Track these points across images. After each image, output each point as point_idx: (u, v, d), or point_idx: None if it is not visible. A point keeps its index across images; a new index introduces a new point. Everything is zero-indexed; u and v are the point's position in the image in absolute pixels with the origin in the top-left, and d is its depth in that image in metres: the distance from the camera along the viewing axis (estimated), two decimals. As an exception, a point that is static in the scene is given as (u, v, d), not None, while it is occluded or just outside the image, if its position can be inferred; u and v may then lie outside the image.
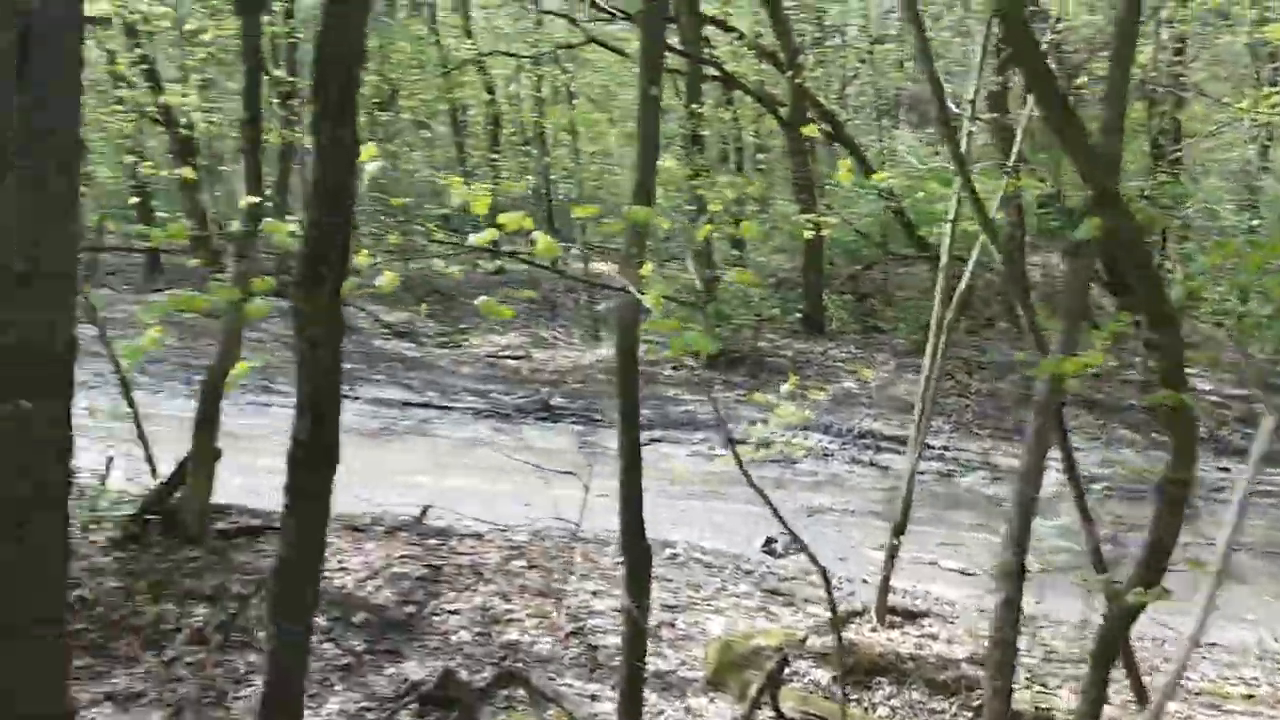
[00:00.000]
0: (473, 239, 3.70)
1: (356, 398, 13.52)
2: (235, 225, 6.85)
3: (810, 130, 5.70)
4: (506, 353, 15.79)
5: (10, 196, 3.44)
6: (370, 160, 3.96)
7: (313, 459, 2.64)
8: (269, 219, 3.38)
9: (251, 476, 9.75)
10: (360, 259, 6.10)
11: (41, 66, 3.45)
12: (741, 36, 14.85)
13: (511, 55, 19.01)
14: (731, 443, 4.21)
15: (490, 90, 20.83)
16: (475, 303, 4.03)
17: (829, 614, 4.08)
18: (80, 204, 3.94)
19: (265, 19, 8.78)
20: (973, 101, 6.00)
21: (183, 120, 18.03)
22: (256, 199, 6.46)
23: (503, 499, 8.96)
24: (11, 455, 3.45)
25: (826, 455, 11.00)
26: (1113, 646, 3.80)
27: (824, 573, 4.09)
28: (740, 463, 4.29)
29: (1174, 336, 2.94)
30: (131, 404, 8.05)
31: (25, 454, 3.48)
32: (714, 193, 12.05)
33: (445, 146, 24.02)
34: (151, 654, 6.85)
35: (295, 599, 2.66)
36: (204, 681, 6.53)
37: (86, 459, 8.78)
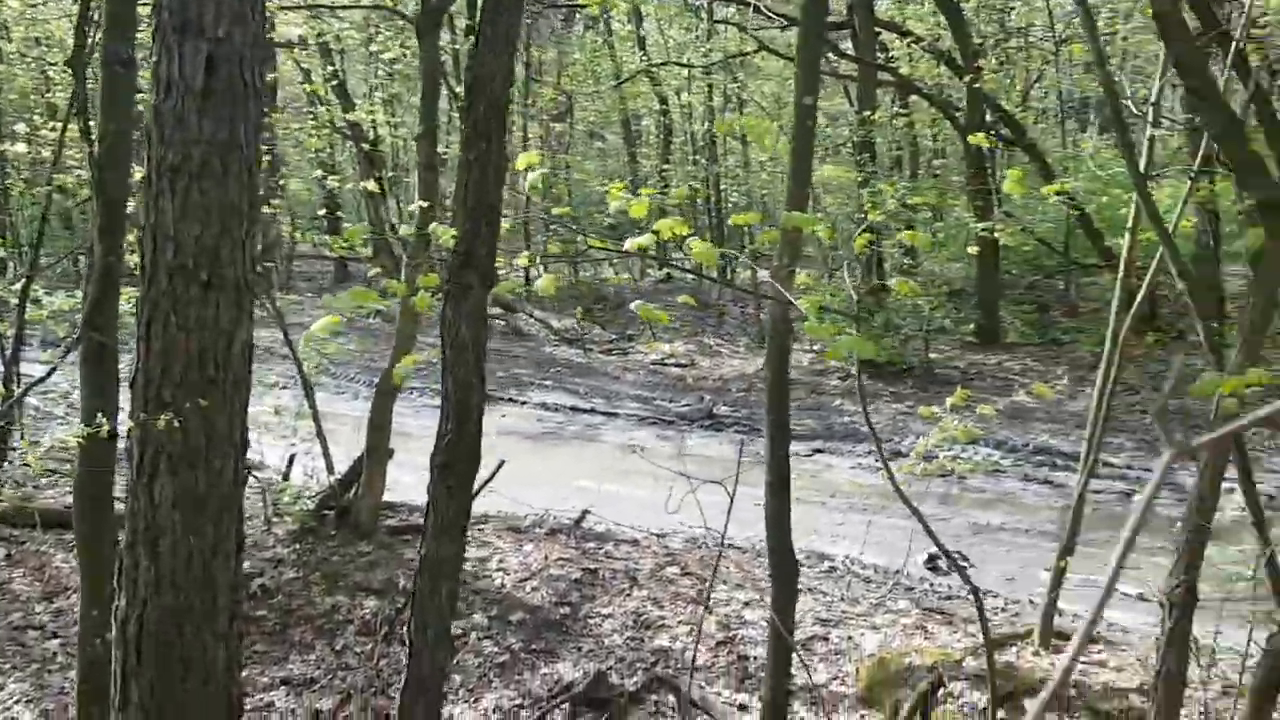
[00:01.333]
0: (629, 244, 3.74)
1: (524, 402, 13.87)
2: (407, 231, 7.15)
3: (977, 138, 5.51)
4: (671, 360, 15.90)
5: (194, 209, 3.70)
6: (530, 169, 4.08)
7: (456, 459, 2.73)
8: (438, 225, 3.51)
9: (423, 475, 10.17)
10: (520, 262, 6.28)
11: (225, 87, 3.70)
12: (918, 40, 14.51)
13: (683, 65, 19.14)
14: (882, 457, 4.12)
15: (662, 100, 21.03)
16: (632, 307, 4.07)
17: (983, 635, 3.93)
18: (261, 215, 4.20)
19: (445, 38, 9.12)
20: (1155, 103, 5.68)
21: (369, 134, 18.95)
22: (427, 206, 6.71)
23: (660, 506, 9.02)
24: (193, 451, 3.70)
25: (998, 472, 10.60)
26: (1276, 678, 3.53)
27: (975, 591, 3.95)
28: (892, 475, 4.19)
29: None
30: (312, 404, 8.49)
31: (205, 450, 3.73)
32: (874, 200, 11.84)
33: (618, 156, 24.37)
34: (324, 643, 7.22)
35: (436, 594, 2.75)
36: (371, 671, 6.84)
37: (272, 456, 9.33)
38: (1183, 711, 4.56)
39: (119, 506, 4.93)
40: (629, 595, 6.95)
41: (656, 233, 3.77)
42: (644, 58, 19.28)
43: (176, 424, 3.49)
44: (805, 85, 4.48)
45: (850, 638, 6.43)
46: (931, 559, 8.30)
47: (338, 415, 11.59)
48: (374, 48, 14.08)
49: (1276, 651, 3.39)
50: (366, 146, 13.35)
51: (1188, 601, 4.02)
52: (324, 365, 13.71)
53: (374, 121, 18.64)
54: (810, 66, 4.61)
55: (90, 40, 6.32)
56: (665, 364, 15.70)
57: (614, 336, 16.89)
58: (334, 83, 18.40)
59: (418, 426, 12.09)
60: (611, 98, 21.02)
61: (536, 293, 3.37)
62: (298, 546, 7.74)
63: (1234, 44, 5.67)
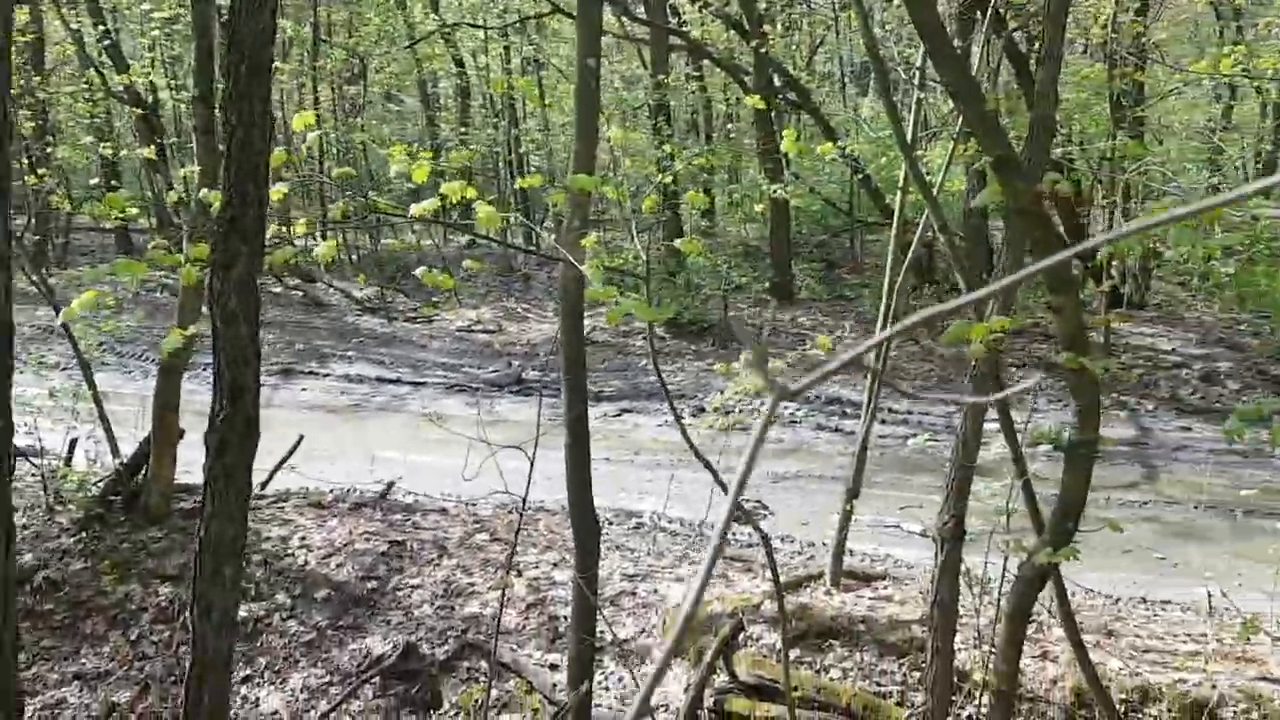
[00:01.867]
0: (414, 209, 3.70)
1: (326, 375, 13.50)
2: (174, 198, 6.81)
3: (753, 100, 5.70)
4: (478, 327, 15.78)
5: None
6: (307, 129, 3.96)
7: (231, 435, 2.66)
8: (205, 190, 3.37)
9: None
10: (299, 229, 6.10)
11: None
12: (707, 4, 14.78)
13: (477, 26, 18.85)
14: (674, 411, 4.26)
15: (458, 63, 20.67)
16: (416, 273, 4.03)
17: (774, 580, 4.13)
18: (27, 186, 3.92)
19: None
20: (921, 68, 6.01)
21: (148, 99, 17.85)
22: (203, 172, 6.42)
23: (469, 474, 8.99)
24: (-55, 439, 3.46)
25: (794, 423, 11.06)
26: (1026, 604, 3.87)
27: (765, 538, 4.15)
28: (684, 429, 4.33)
29: (1073, 301, 2.97)
30: (92, 384, 8.02)
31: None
32: (666, 164, 12.06)
33: (416, 119, 23.84)
34: (118, 633, 6.90)
35: (218, 576, 2.68)
36: (170, 659, 6.58)
37: (51, 441, 8.77)
38: (957, 637, 4.92)
39: None
40: (438, 565, 6.92)
41: (444, 196, 3.75)
42: (437, 19, 18.89)
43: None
44: (586, 46, 4.52)
45: (656, 590, 6.61)
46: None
47: (124, 396, 10.98)
48: (146, 6, 13.24)
49: (1026, 578, 3.71)
50: (143, 111, 12.57)
51: (957, 534, 4.34)
52: (108, 344, 12.93)
53: (152, 85, 17.57)
54: (590, 26, 4.64)
55: None
56: (472, 330, 15.57)
57: (418, 305, 16.61)
58: (106, 43, 17.23)
59: (209, 403, 11.61)
60: (407, 60, 20.50)
61: (318, 260, 3.29)
62: (84, 535, 7.34)
63: (991, 7, 6.07)
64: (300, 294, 17.14)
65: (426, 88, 22.24)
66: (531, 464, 4.36)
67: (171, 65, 19.67)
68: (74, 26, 15.71)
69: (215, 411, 2.66)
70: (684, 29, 15.34)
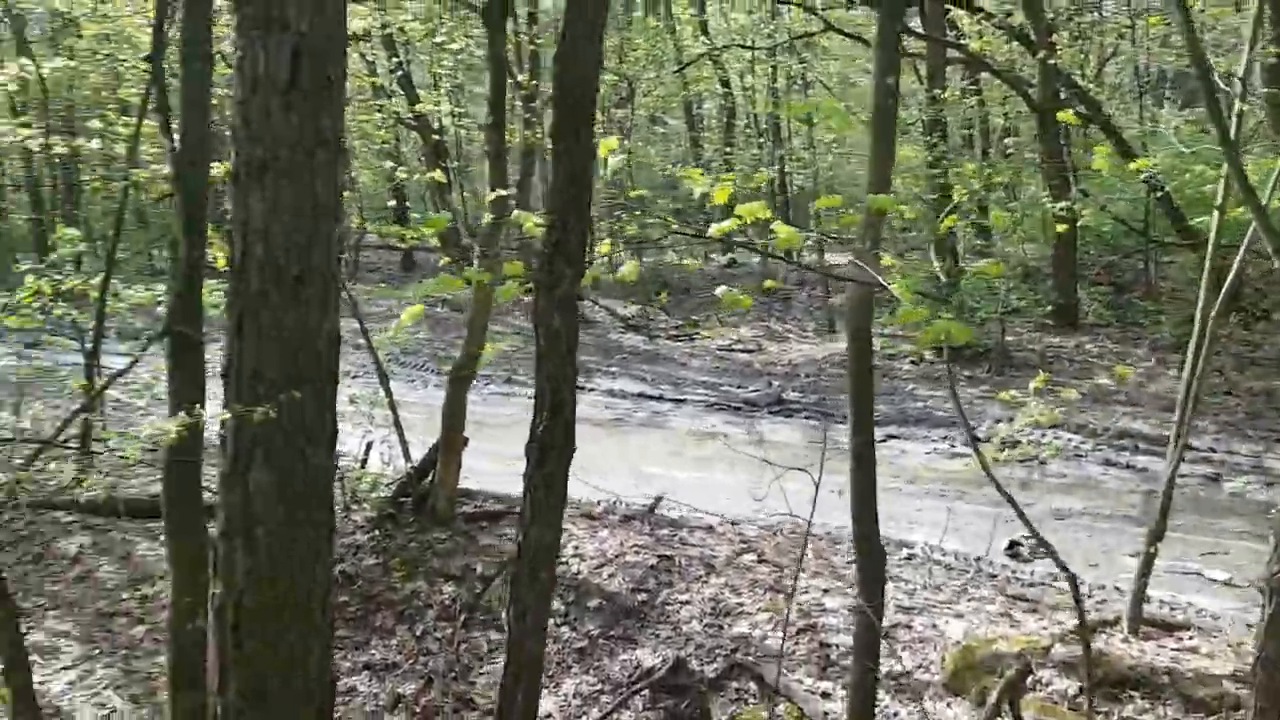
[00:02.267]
0: (713, 229, 3.70)
1: (592, 389, 13.90)
2: (485, 220, 7.17)
3: (1065, 115, 5.37)
4: (739, 346, 15.82)
5: (283, 205, 3.73)
6: (611, 154, 4.05)
7: (551, 446, 2.73)
8: (518, 211, 3.51)
9: (496, 463, 10.20)
10: (602, 249, 6.27)
11: (309, 80, 3.73)
12: (989, 16, 14.22)
13: (747, 48, 18.96)
14: (974, 441, 4.05)
15: (725, 84, 20.88)
16: (717, 293, 4.02)
17: (1076, 622, 3.85)
18: (343, 208, 4.24)
19: (510, 28, 9.13)
20: (1243, 78, 5.50)
21: (435, 125, 19.05)
22: (497, 195, 6.73)
23: (733, 492, 8.99)
24: (287, 442, 3.75)
25: (1079, 456, 10.39)
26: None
27: (1072, 578, 3.87)
28: (984, 462, 4.11)
29: None
30: (388, 392, 8.58)
31: (299, 440, 3.77)
32: (956, 180, 11.61)
33: (679, 140, 24.30)
34: (404, 628, 7.32)
35: (535, 580, 2.76)
36: (451, 656, 6.92)
37: (349, 444, 9.46)
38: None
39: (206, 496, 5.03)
40: (706, 582, 6.93)
41: (740, 217, 3.73)
42: (706, 41, 19.15)
43: (271, 416, 3.53)
44: (884, 64, 4.39)
45: (934, 625, 6.35)
46: (1012, 545, 8.17)
47: (409, 404, 11.70)
48: (439, 38, 14.14)
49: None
50: (434, 138, 13.43)
51: (1290, 588, 3.90)
52: (394, 354, 13.85)
53: (439, 112, 18.75)
54: (889, 44, 4.52)
55: (167, 36, 6.40)
56: (732, 349, 15.63)
57: (679, 322, 16.85)
58: (399, 74, 18.53)
59: (488, 414, 12.19)
60: (673, 82, 20.94)
61: (616, 280, 3.34)
62: (376, 533, 7.84)
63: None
64: (569, 310, 17.75)
65: (691, 109, 22.62)
66: (817, 487, 4.28)
67: (454, 94, 20.91)
68: (369, 59, 16.99)
69: (536, 423, 2.74)
70: (962, 41, 14.85)
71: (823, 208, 3.98)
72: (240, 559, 3.79)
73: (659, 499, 8.26)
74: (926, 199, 13.20)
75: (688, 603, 6.78)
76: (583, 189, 2.62)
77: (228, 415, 3.69)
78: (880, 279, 3.30)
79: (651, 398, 13.62)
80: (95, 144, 10.68)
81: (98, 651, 7.49)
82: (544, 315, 2.64)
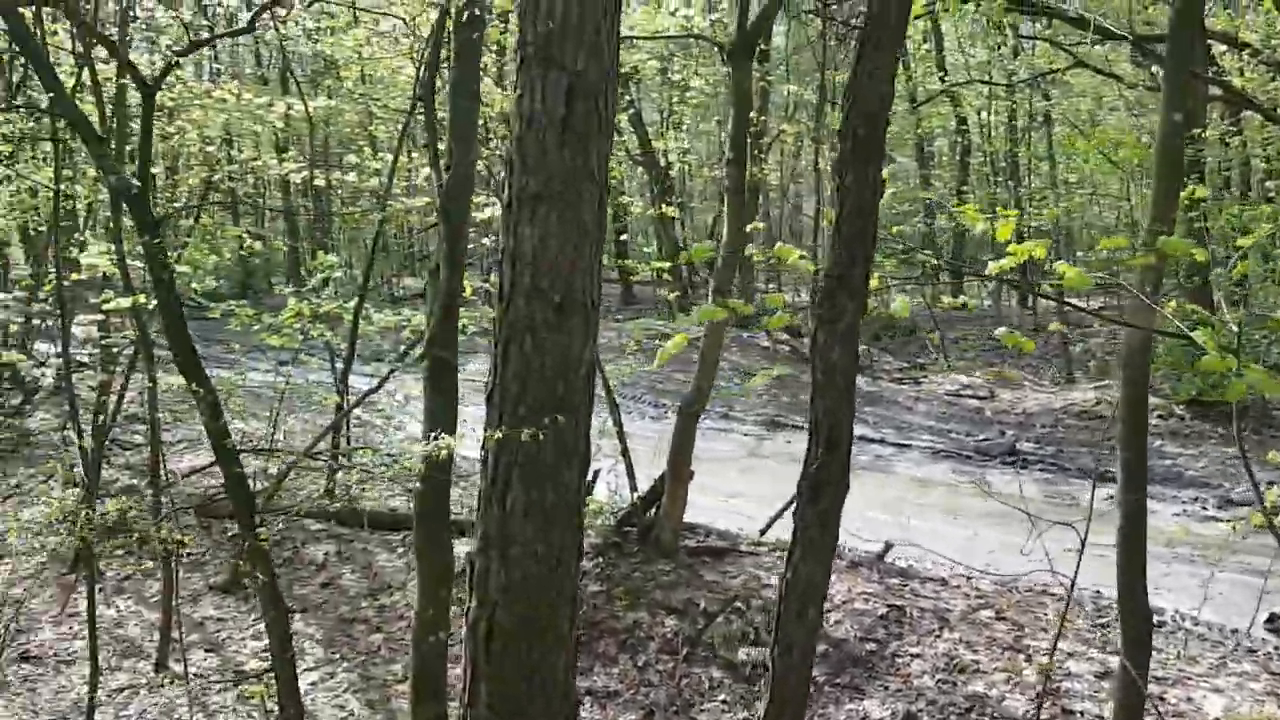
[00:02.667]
0: (991, 266, 3.57)
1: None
2: (715, 256, 7.20)
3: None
4: (968, 392, 15.27)
5: (551, 235, 3.86)
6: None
7: (826, 483, 2.68)
8: (781, 244, 3.49)
9: (710, 497, 10.20)
10: (872, 284, 6.15)
11: (582, 117, 3.85)
12: (1256, 52, 13.28)
13: (989, 84, 18.43)
14: (1265, 509, 3.72)
15: (961, 120, 20.36)
16: (997, 334, 3.86)
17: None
18: (604, 240, 4.34)
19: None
20: None
21: (662, 162, 19.46)
22: (743, 231, 6.75)
23: (963, 544, 8.64)
24: (543, 465, 3.85)
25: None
26: None
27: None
28: (1272, 524, 3.77)
29: None
30: (618, 422, 8.73)
31: (555, 464, 3.87)
32: (1229, 221, 10.85)
33: (908, 178, 23.86)
34: (627, 657, 7.36)
35: (802, 616, 2.70)
36: (673, 689, 6.90)
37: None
38: None
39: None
40: (939, 636, 6.66)
41: (1015, 255, 3.58)
42: (943, 77, 18.75)
43: (535, 438, 3.64)
44: (1171, 100, 4.15)
45: (1190, 698, 5.88)
46: (1274, 619, 7.49)
47: (628, 434, 11.88)
48: (675, 75, 14.43)
49: None
50: (665, 173, 13.70)
51: None
52: (614, 385, 14.10)
53: (665, 149, 19.14)
54: (1176, 80, 4.27)
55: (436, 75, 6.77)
56: (961, 395, 15.09)
57: (904, 365, 16.43)
58: (630, 112, 19.04)
59: (703, 448, 12.17)
60: (904, 119, 20.59)
61: (893, 315, 3.26)
62: (601, 560, 7.95)
63: None
64: (788, 349, 17.64)
65: (923, 147, 22.18)
66: (1082, 545, 4.03)
67: (676, 129, 21.27)
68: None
69: (810, 459, 2.69)
70: (1224, 78, 13.92)
71: (1107, 248, 3.76)
72: (495, 575, 3.92)
73: (889, 546, 8.03)
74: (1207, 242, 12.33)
75: (919, 656, 6.52)
76: (869, 221, 2.56)
77: (493, 436, 3.82)
78: (1181, 328, 3.08)
79: (873, 440, 13.30)
80: (351, 177, 11.42)
81: (338, 656, 7.89)
82: (824, 349, 2.60)
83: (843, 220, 2.57)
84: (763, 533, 8.55)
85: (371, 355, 12.92)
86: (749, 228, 6.51)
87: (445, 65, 6.30)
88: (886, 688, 6.31)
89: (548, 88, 3.78)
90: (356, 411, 12.23)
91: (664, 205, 15.53)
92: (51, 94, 4.79)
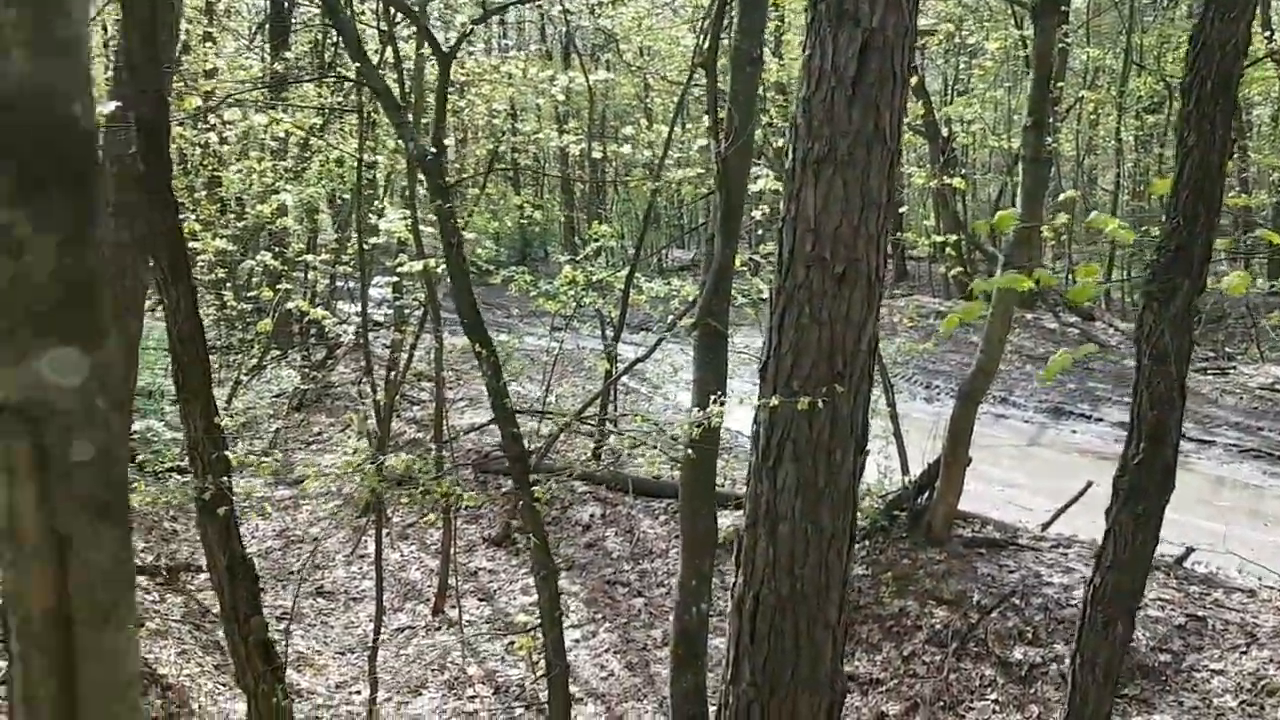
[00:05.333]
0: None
1: (1099, 419, 12.76)
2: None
3: None
4: (1284, 385, 13.76)
5: (835, 200, 3.67)
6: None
7: (1146, 482, 2.38)
8: (1095, 213, 3.15)
9: (987, 486, 9.66)
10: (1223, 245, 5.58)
11: (875, 74, 3.63)
12: None
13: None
14: None
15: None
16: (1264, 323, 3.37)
17: None
18: (894, 206, 4.11)
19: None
20: None
21: (945, 131, 18.56)
22: (1039, 202, 6.27)
23: (1274, 552, 7.76)
24: (817, 441, 3.70)
25: None
26: None
27: None
28: None
29: None
30: (891, 403, 8.42)
31: (829, 441, 3.71)
32: None
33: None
34: (891, 645, 7.09)
35: (1109, 629, 2.43)
36: (940, 683, 6.59)
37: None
38: None
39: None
40: (1245, 653, 6.00)
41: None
42: (1269, 36, 16.84)
43: (810, 407, 3.48)
44: None
45: None
46: None
47: (899, 415, 11.47)
48: (968, 38, 13.70)
49: None
50: (948, 142, 13.06)
51: None
52: (886, 364, 13.63)
53: (950, 117, 18.27)
54: None
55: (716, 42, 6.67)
56: (1277, 389, 13.60)
57: (1210, 354, 14.99)
58: (914, 79, 18.30)
59: (979, 434, 11.60)
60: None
61: (1230, 290, 2.86)
62: (867, 544, 7.69)
63: None
64: (1077, 331, 16.51)
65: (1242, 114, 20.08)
66: None
67: (962, 96, 20.23)
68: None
69: (1129, 454, 2.41)
70: None
71: None
72: (762, 551, 3.81)
73: (1189, 550, 7.32)
74: None
75: (1220, 673, 5.91)
76: (1215, 187, 2.23)
77: (766, 404, 3.69)
78: None
79: (1170, 435, 12.21)
80: (626, 149, 11.57)
81: (600, 616, 8.06)
82: (1151, 332, 2.30)
83: (1181, 185, 2.25)
84: (1045, 527, 8.02)
85: (639, 325, 13.12)
86: (1062, 197, 6.02)
87: (726, 34, 6.20)
88: (1181, 704, 5.76)
89: (839, 44, 3.59)
90: (624, 379, 12.47)
91: (948, 176, 14.79)
92: (358, 64, 5.04)
